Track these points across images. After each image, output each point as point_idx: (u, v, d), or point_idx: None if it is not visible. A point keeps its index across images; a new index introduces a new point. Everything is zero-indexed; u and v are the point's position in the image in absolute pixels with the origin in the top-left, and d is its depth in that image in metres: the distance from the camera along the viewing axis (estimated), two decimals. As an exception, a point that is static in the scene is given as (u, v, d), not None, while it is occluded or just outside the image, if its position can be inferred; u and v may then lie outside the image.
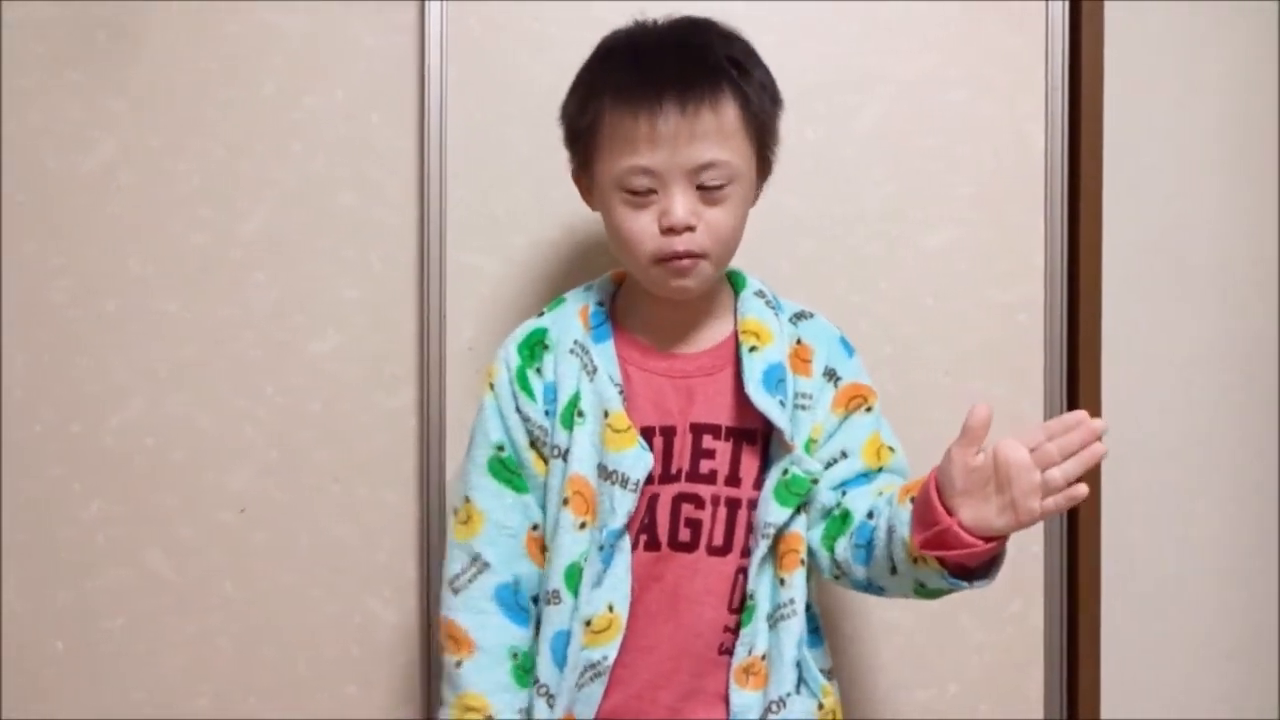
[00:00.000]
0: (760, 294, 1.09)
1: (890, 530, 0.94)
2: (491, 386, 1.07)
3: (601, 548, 1.01)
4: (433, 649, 1.30)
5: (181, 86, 1.31)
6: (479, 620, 1.03)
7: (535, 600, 1.05)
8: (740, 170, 1.01)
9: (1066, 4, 1.34)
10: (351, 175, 1.32)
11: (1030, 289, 1.35)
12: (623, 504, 1.00)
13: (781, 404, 1.02)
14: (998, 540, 0.89)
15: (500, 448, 1.06)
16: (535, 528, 1.05)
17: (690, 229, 0.98)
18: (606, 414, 1.02)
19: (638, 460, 1.01)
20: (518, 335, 1.09)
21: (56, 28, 1.30)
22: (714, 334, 1.08)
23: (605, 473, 1.01)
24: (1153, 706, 1.38)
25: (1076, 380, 1.33)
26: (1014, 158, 1.34)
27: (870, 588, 1.01)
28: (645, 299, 1.08)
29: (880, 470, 1.05)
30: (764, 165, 1.06)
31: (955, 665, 1.34)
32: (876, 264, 1.33)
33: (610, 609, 1.00)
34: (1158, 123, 1.39)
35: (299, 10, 1.31)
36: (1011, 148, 1.34)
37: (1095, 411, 1.33)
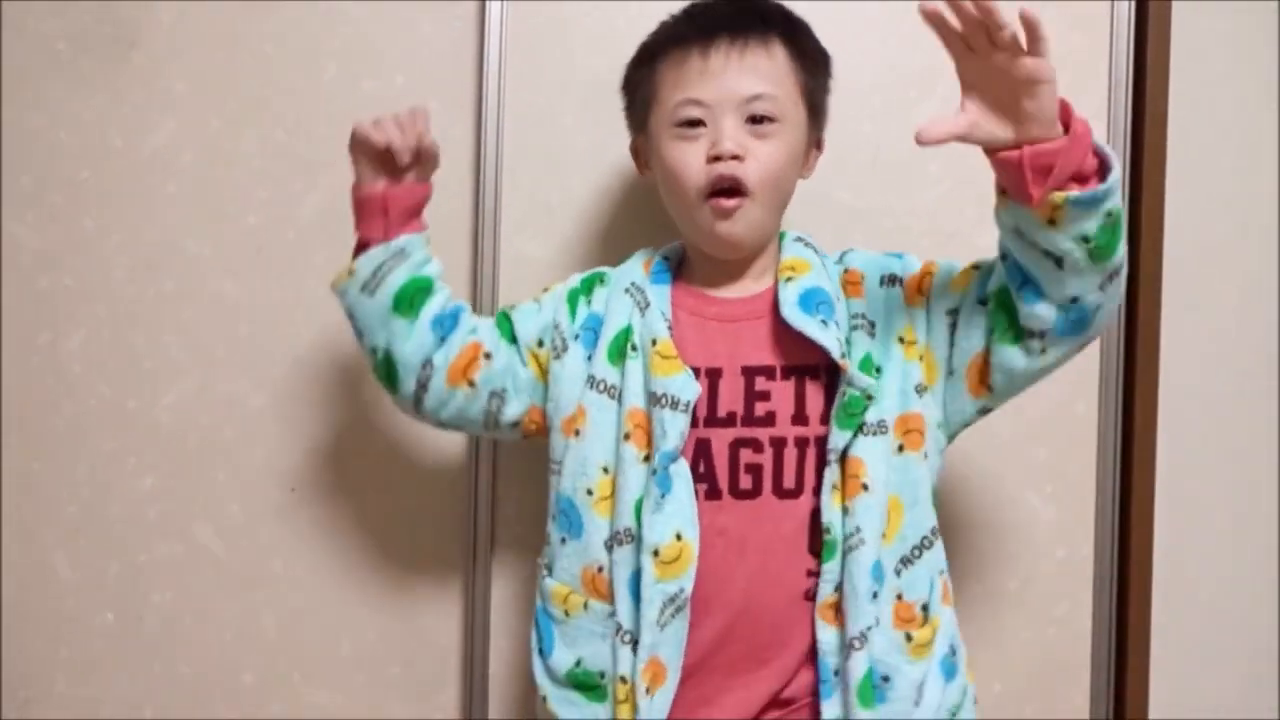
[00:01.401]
0: (800, 239, 1.11)
1: (1016, 232, 0.93)
2: (542, 295, 1.13)
3: (656, 472, 0.99)
4: (474, 629, 1.31)
5: (242, 69, 1.33)
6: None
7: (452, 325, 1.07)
8: (788, 111, 1.03)
9: (1133, 3, 1.32)
10: (408, 160, 1.33)
11: (1086, 289, 1.33)
12: (674, 425, 0.99)
13: (824, 323, 1.01)
14: (1071, 129, 0.87)
15: (512, 307, 1.12)
16: (489, 356, 1.07)
17: (737, 158, 1.00)
18: (655, 342, 1.02)
19: (686, 385, 1.00)
20: (583, 273, 1.14)
21: (121, 10, 1.33)
22: (764, 282, 1.08)
23: (655, 399, 1.01)
24: (1201, 710, 1.36)
25: (1133, 383, 1.32)
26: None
27: (1072, 315, 0.94)
28: (698, 261, 1.10)
29: (974, 266, 1.04)
30: (815, 124, 1.08)
31: (1001, 665, 1.33)
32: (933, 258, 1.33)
33: (679, 537, 0.98)
34: (1221, 125, 1.36)
35: (360, -4, 1.33)
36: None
37: (1152, 413, 1.32)
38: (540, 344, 1.09)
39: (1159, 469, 1.32)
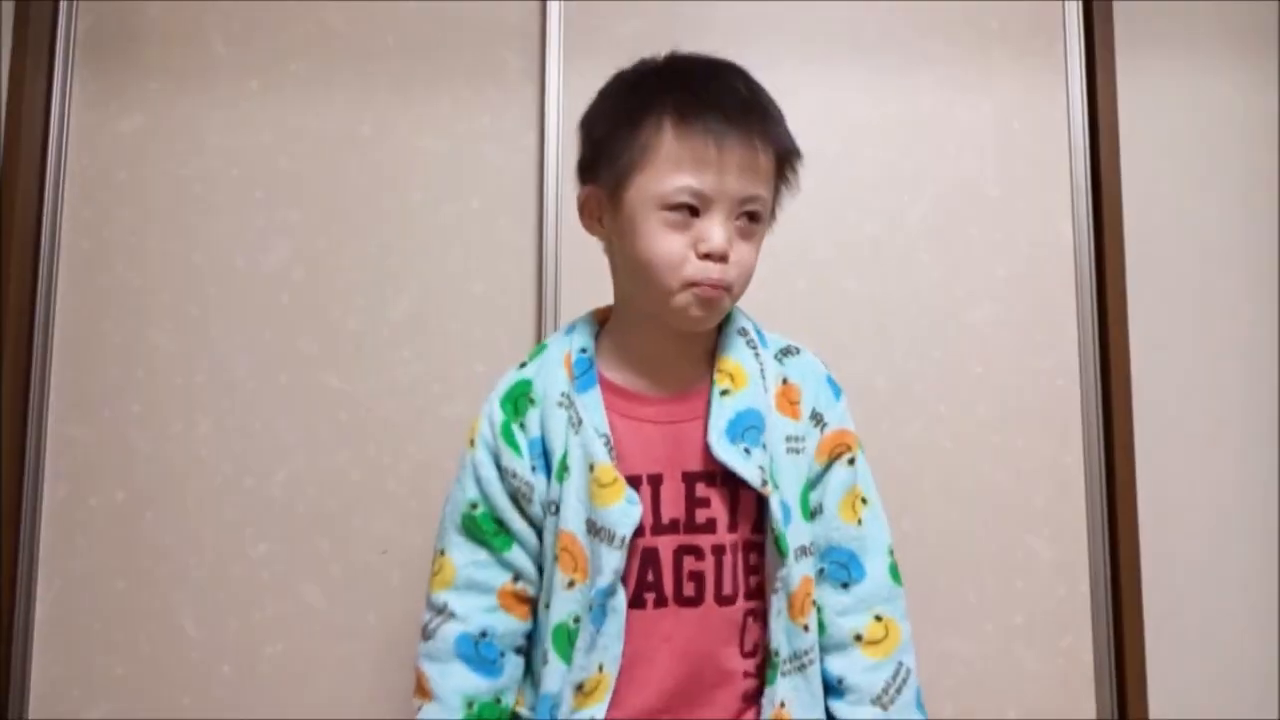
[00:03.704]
0: (743, 331, 1.06)
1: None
2: (472, 443, 1.05)
3: (591, 607, 0.97)
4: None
5: (345, 199, 1.60)
6: (439, 669, 1.02)
7: (519, 652, 1.03)
8: (767, 212, 1.02)
9: (1086, 117, 1.56)
10: (481, 268, 1.58)
11: (1066, 357, 1.54)
12: (609, 561, 0.96)
13: (747, 451, 0.98)
14: None
15: (474, 505, 1.04)
16: (517, 579, 1.03)
17: (724, 258, 0.97)
18: (592, 467, 0.98)
19: (624, 515, 0.97)
20: (501, 389, 1.06)
21: (246, 154, 1.61)
22: (699, 377, 1.04)
23: (594, 529, 0.98)
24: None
25: (1112, 438, 1.50)
26: (1045, 244, 1.56)
27: None
28: (632, 337, 1.05)
29: (858, 528, 1.03)
30: (772, 220, 1.06)
31: (1014, 694, 1.48)
32: (928, 336, 1.54)
33: (600, 669, 0.97)
34: (1174, 211, 1.59)
35: (440, 135, 1.60)
36: (1042, 236, 1.56)
37: (1129, 465, 1.50)
38: (515, 500, 1.03)
39: (1142, 518, 1.50)
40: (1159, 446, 1.52)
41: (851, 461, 1.05)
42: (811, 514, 1.03)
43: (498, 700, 1.02)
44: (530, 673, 1.04)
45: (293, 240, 1.60)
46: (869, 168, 1.57)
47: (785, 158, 1.03)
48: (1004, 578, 1.50)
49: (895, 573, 1.04)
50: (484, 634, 1.02)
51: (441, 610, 1.03)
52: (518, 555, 1.03)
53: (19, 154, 1.55)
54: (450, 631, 1.02)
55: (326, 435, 1.56)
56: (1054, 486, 1.50)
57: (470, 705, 1.00)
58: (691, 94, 0.99)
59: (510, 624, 1.03)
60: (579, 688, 0.97)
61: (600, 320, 1.11)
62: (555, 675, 0.98)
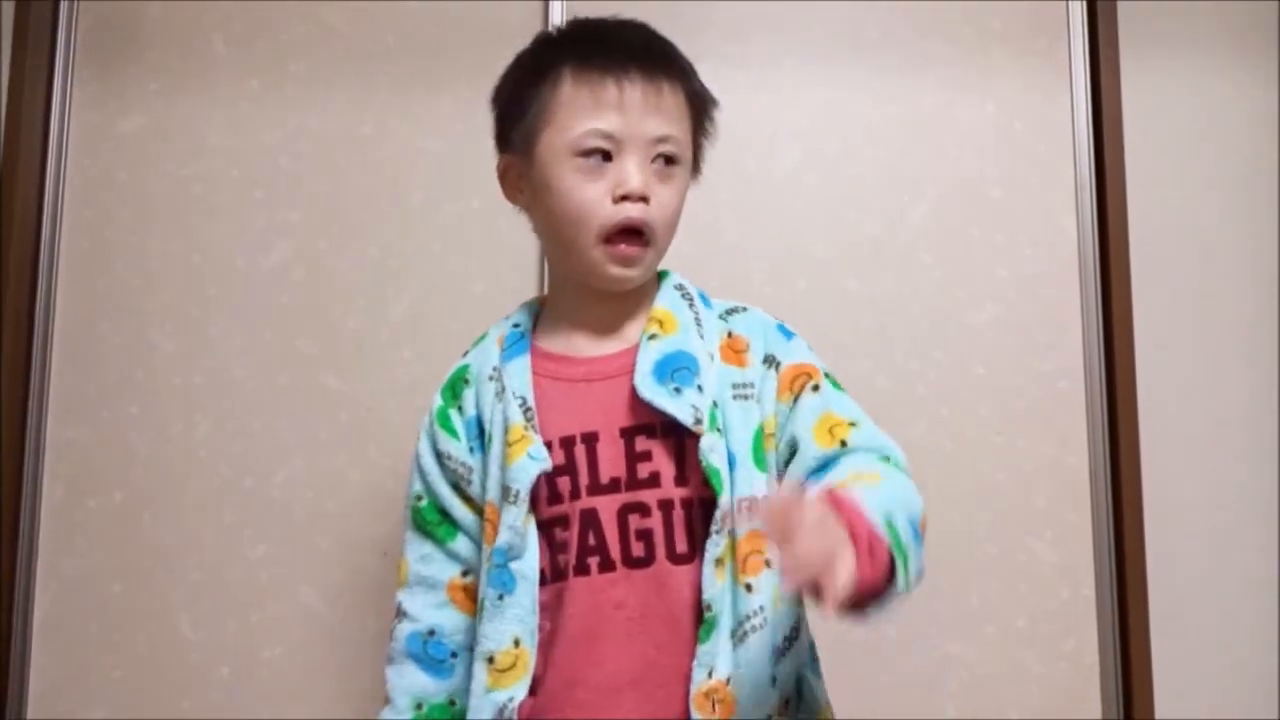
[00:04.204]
0: (680, 287, 1.04)
1: None
2: (419, 436, 1.06)
3: (490, 570, 0.93)
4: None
5: (346, 200, 1.59)
6: (394, 670, 1.01)
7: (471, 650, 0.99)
8: (686, 154, 1.00)
9: (1089, 117, 1.56)
10: (482, 270, 1.57)
11: (1070, 359, 1.53)
12: (507, 518, 0.93)
13: (677, 390, 0.94)
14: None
15: (419, 497, 1.03)
16: (465, 573, 1.01)
17: (645, 200, 0.95)
18: (507, 430, 0.96)
19: (523, 470, 0.94)
20: (444, 379, 1.07)
21: (245, 154, 1.60)
22: (634, 333, 1.01)
23: (506, 493, 0.95)
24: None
25: (1117, 441, 1.49)
26: (1049, 245, 1.55)
27: None
28: (565, 305, 1.04)
29: (842, 449, 0.94)
30: (695, 169, 1.04)
31: (1016, 697, 1.47)
32: (930, 337, 1.54)
33: (516, 643, 0.92)
34: (1176, 211, 1.58)
35: (441, 135, 1.59)
36: (1045, 236, 1.55)
37: (1135, 467, 1.49)
38: (456, 487, 1.02)
39: (1147, 517, 1.49)
40: (1161, 447, 1.52)
41: (816, 388, 0.98)
42: (787, 459, 0.96)
43: (451, 703, 0.99)
44: None
45: (293, 240, 1.59)
46: (869, 168, 1.56)
47: (697, 101, 1.02)
48: (1006, 580, 1.49)
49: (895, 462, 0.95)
50: (432, 632, 1.00)
51: (398, 612, 1.03)
52: (463, 544, 1.02)
53: (19, 154, 1.54)
54: (403, 632, 1.01)
55: (326, 436, 1.56)
56: (1057, 488, 1.50)
57: (419, 707, 0.99)
58: (588, 43, 0.99)
59: (459, 620, 1.00)
60: (490, 661, 0.93)
61: (542, 303, 1.10)
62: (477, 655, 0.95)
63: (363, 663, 1.52)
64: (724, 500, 0.92)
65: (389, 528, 1.54)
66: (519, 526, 0.93)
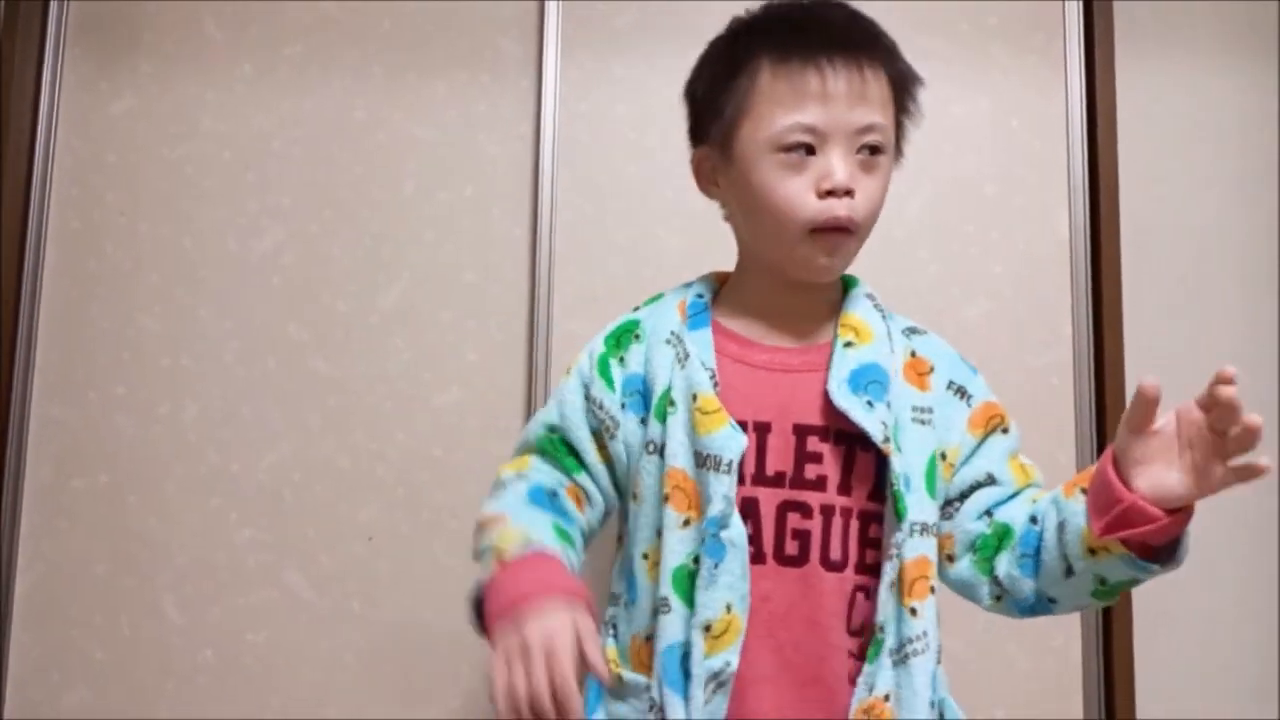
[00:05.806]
0: (870, 297, 1.04)
1: (1061, 526, 0.89)
2: (568, 371, 1.04)
3: (704, 540, 0.91)
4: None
5: (338, 186, 1.59)
6: (512, 505, 0.97)
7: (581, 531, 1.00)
8: (890, 141, 0.97)
9: (1084, 115, 1.55)
10: (474, 259, 1.57)
11: (1060, 355, 1.53)
12: (718, 488, 0.91)
13: (870, 404, 0.94)
14: (1182, 512, 0.83)
15: (553, 429, 1.02)
16: (581, 493, 1.01)
17: (849, 193, 0.93)
18: (695, 398, 0.94)
19: (729, 439, 0.92)
20: (610, 326, 1.05)
21: (239, 138, 1.60)
22: (821, 331, 1.00)
23: (701, 459, 0.93)
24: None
25: (1105, 437, 1.49)
26: (1042, 242, 1.55)
27: (1038, 604, 0.94)
28: (751, 291, 1.02)
29: (1030, 485, 1.00)
30: (898, 154, 1.02)
31: (1003, 691, 1.47)
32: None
33: (729, 609, 0.91)
34: (1171, 210, 1.58)
35: (435, 122, 1.58)
36: (1039, 234, 1.55)
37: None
38: (596, 434, 1.01)
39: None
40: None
41: (1005, 431, 1.02)
42: (973, 487, 0.98)
43: (570, 542, 0.96)
44: (617, 634, 1.00)
45: (284, 225, 1.58)
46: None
47: (901, 83, 0.99)
48: (995, 576, 1.49)
49: None
50: (554, 492, 0.99)
51: (506, 482, 1.01)
52: (585, 480, 1.01)
53: (8, 135, 1.53)
54: (521, 488, 0.99)
55: (314, 421, 1.55)
56: (1047, 483, 1.48)
57: (557, 528, 0.95)
58: (786, 30, 0.95)
59: (574, 509, 1.00)
60: (707, 629, 0.91)
61: (720, 281, 1.08)
62: (678, 622, 0.92)
63: (348, 648, 1.51)
64: (903, 523, 0.93)
65: (376, 513, 1.53)
66: (730, 494, 0.92)
